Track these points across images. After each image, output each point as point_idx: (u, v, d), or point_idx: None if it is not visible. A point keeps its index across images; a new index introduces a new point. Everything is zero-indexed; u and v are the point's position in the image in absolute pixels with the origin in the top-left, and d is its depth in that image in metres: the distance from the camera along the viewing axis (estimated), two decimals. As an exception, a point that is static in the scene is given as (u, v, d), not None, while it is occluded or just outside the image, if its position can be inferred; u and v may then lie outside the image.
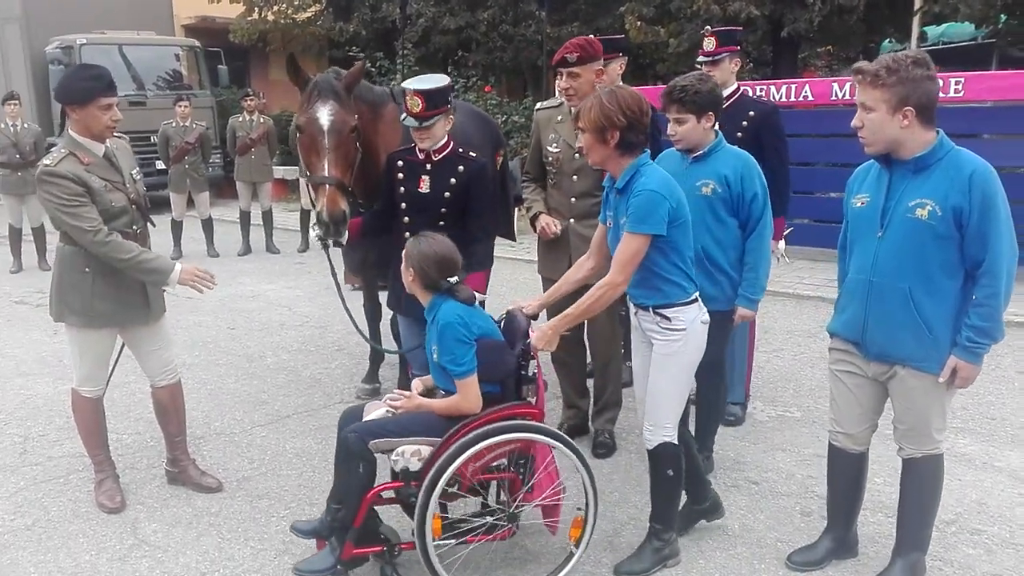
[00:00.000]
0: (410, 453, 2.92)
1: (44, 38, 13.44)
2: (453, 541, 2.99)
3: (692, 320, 3.00)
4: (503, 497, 3.06)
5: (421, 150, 3.79)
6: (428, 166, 3.80)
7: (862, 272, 2.88)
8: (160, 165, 10.22)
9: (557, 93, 4.17)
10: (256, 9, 16.49)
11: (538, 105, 4.48)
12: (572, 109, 3.97)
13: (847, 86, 8.02)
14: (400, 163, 3.87)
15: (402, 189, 3.86)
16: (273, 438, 4.54)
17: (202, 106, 13.07)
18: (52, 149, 3.61)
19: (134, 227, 3.62)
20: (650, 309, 3.02)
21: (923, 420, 2.88)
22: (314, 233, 3.93)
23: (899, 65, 2.61)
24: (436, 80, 3.69)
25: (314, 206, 3.88)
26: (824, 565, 3.23)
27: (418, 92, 3.56)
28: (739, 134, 4.22)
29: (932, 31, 15.80)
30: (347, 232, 3.89)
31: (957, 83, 7.41)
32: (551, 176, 4.16)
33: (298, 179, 10.67)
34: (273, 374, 5.62)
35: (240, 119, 9.87)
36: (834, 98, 8.12)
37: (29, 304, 7.67)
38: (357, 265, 5.05)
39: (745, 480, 3.95)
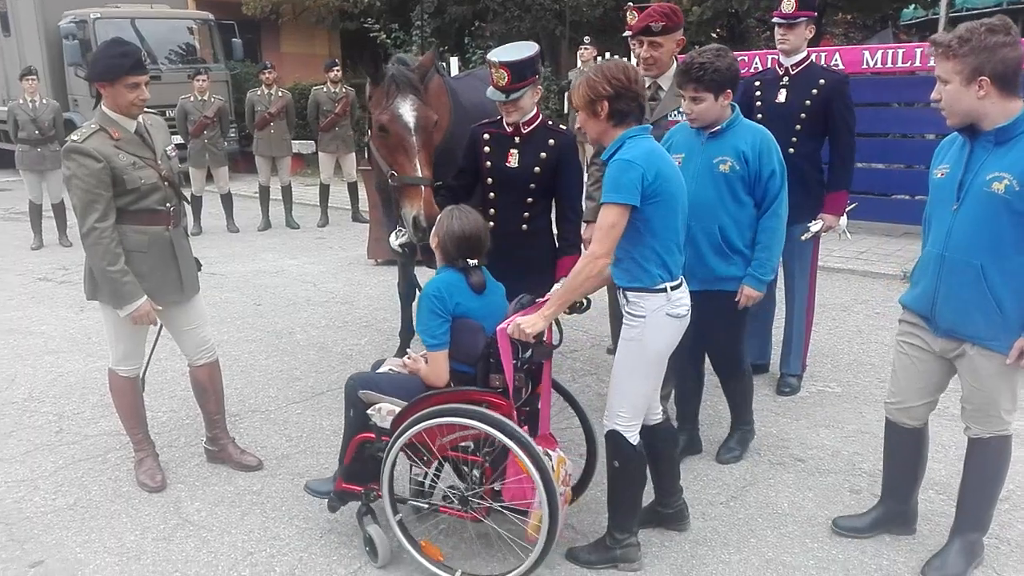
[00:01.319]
0: (386, 411, 3.00)
1: (57, 12, 13.32)
2: (424, 504, 3.10)
3: (655, 310, 2.81)
4: (460, 479, 2.99)
5: (509, 123, 3.63)
6: (517, 139, 3.62)
7: (936, 246, 2.79)
8: (178, 140, 10.12)
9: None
10: (269, -20, 16.29)
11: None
12: (648, 81, 3.84)
13: (878, 54, 7.86)
14: (486, 136, 3.69)
15: (488, 164, 3.67)
16: (309, 415, 4.51)
17: (218, 80, 12.93)
18: (83, 124, 3.55)
19: (167, 204, 3.56)
20: (620, 290, 2.92)
21: (991, 400, 2.80)
22: (397, 241, 3.72)
23: (972, 34, 2.52)
24: (523, 49, 3.50)
25: (397, 208, 3.68)
26: (869, 535, 3.21)
27: (504, 64, 3.38)
28: (807, 102, 4.11)
29: (958, -3, 15.46)
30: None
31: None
32: None
33: (316, 153, 10.59)
34: (304, 350, 5.58)
35: (258, 93, 9.77)
36: (865, 66, 7.93)
37: (53, 281, 7.65)
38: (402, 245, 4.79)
39: (790, 457, 3.90)
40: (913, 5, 14.92)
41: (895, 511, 3.21)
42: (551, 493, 2.73)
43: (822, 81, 4.18)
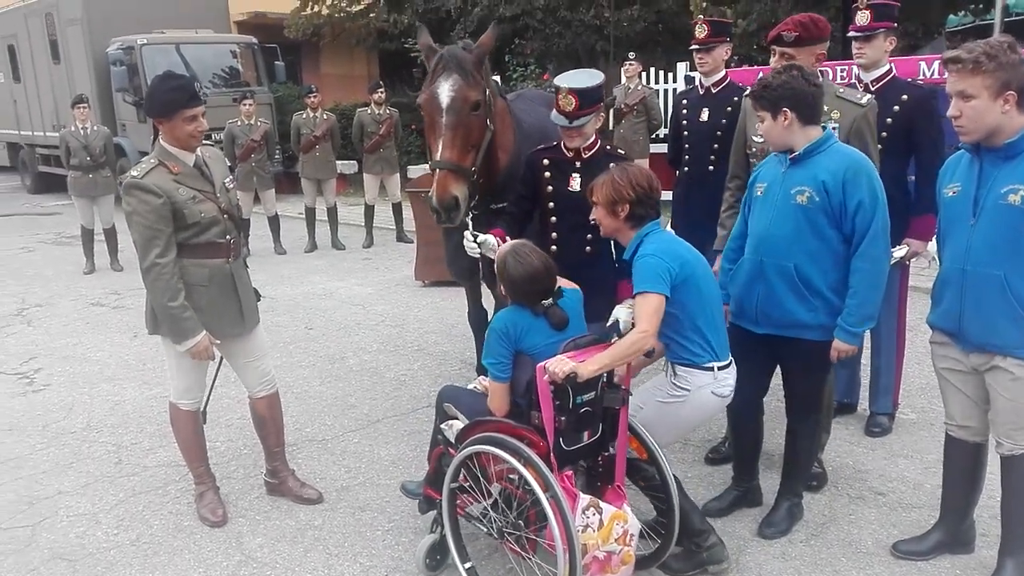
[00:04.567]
0: (456, 428, 3.11)
1: (105, 39, 13.57)
2: (483, 528, 3.01)
3: (700, 387, 2.97)
4: (500, 509, 2.91)
5: (569, 148, 3.57)
6: (578, 163, 3.56)
7: (956, 261, 2.84)
8: (225, 163, 10.19)
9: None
10: (311, 3, 16.44)
11: (749, 90, 4.15)
12: None
13: (935, 64, 7.64)
14: (546, 161, 3.64)
15: (550, 188, 3.61)
16: (366, 444, 4.44)
17: (262, 103, 13.06)
18: (143, 158, 3.53)
19: (227, 237, 3.53)
20: (669, 363, 3.05)
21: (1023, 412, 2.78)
22: (471, 242, 3.54)
23: (997, 51, 2.61)
24: (589, 77, 3.45)
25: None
26: (931, 557, 3.16)
27: (572, 91, 3.33)
28: (888, 120, 3.87)
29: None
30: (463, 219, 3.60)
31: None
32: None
33: (359, 173, 10.56)
34: (357, 376, 5.53)
35: (304, 116, 9.81)
36: (922, 78, 7.72)
37: (106, 306, 7.72)
38: (464, 270, 4.40)
39: (870, 491, 3.72)
40: (961, 12, 14.58)
41: (954, 530, 3.17)
42: (571, 540, 2.62)
43: (905, 97, 3.91)
